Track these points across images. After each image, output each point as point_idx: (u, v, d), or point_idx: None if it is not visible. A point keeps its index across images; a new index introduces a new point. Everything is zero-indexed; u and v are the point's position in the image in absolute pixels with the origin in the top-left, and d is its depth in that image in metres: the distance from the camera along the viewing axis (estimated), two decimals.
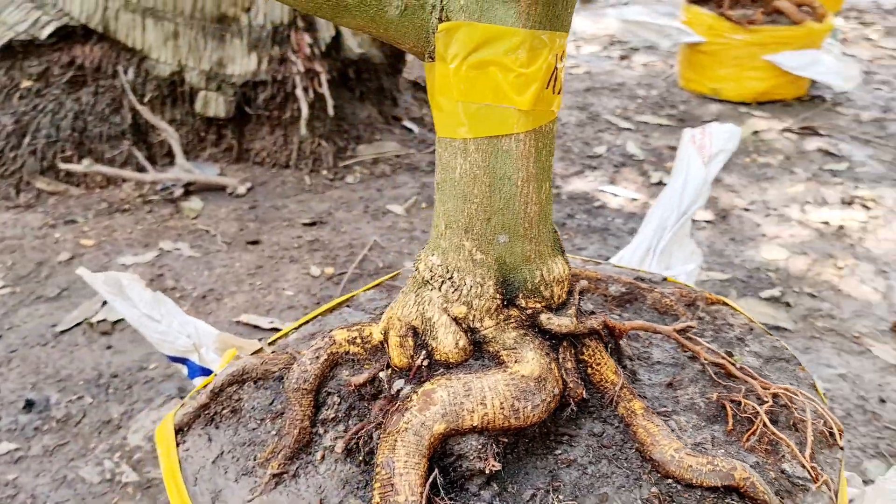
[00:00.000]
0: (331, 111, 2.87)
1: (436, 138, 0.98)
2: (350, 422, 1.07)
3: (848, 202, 2.75)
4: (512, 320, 1.01)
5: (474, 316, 1.00)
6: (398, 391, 1.02)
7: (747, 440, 1.08)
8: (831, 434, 1.12)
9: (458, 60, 0.89)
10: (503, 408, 0.97)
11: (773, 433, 1.08)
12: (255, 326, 2.00)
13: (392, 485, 0.91)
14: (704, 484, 0.99)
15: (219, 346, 1.38)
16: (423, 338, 1.03)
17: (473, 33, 0.88)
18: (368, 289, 1.51)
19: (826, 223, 2.61)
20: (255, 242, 2.43)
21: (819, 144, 3.26)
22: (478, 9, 0.87)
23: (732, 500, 0.99)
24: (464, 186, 0.95)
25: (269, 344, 1.34)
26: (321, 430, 1.07)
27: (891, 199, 2.78)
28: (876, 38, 5.19)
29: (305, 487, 1.01)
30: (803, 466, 1.06)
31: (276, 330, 2.00)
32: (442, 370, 1.02)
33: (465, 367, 1.01)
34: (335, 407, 1.09)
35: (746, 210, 2.70)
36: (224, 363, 1.35)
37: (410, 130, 3.25)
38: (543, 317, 1.02)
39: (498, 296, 1.01)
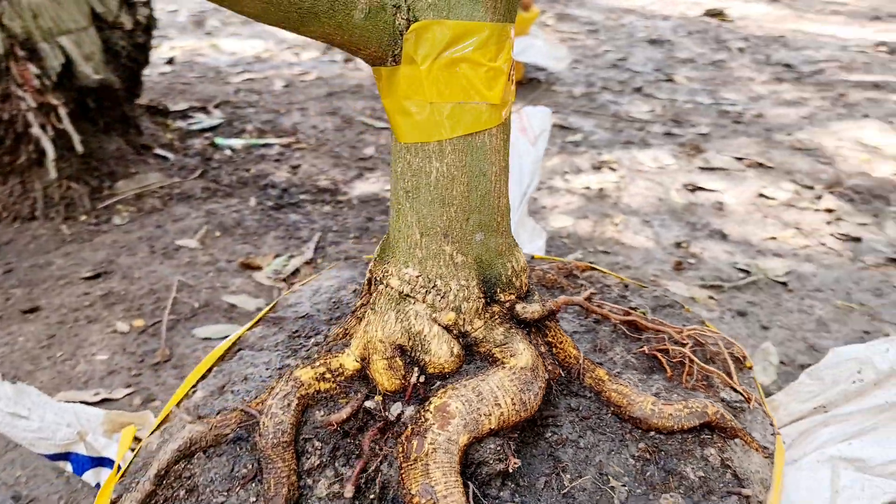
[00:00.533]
0: (79, 147, 2.53)
1: (395, 146, 0.93)
2: (337, 464, 0.99)
3: (597, 167, 3.10)
4: (497, 316, 1.01)
5: (464, 320, 0.98)
6: (398, 415, 0.96)
7: (687, 381, 1.19)
8: (741, 358, 1.29)
9: (428, 61, 0.86)
10: (514, 403, 0.96)
11: (704, 369, 1.20)
12: (81, 402, 1.71)
13: None
14: (685, 427, 1.07)
15: (108, 427, 1.17)
16: (413, 354, 0.98)
17: (444, 31, 0.85)
18: (253, 326, 1.39)
19: (588, 188, 2.92)
20: (33, 310, 2.07)
21: (554, 120, 3.62)
22: (446, 6, 0.85)
23: (706, 435, 1.09)
24: (441, 189, 0.92)
25: (177, 406, 1.18)
26: (309, 482, 0.98)
27: (626, 160, 3.19)
28: (552, 24, 5.86)
29: None
30: (735, 391, 1.20)
31: (108, 400, 1.74)
32: (439, 383, 0.98)
33: (462, 374, 0.99)
34: (317, 452, 0.99)
35: None
36: (124, 445, 1.16)
37: (166, 158, 2.99)
38: (518, 307, 1.03)
39: (482, 295, 0.99)
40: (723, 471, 1.05)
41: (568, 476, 1.01)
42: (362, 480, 0.94)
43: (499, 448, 0.96)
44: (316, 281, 1.53)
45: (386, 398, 0.98)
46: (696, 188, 2.93)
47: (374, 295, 1.00)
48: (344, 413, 0.99)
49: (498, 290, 1.02)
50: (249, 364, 1.26)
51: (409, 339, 0.97)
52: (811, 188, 2.93)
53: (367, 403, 0.99)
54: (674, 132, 3.52)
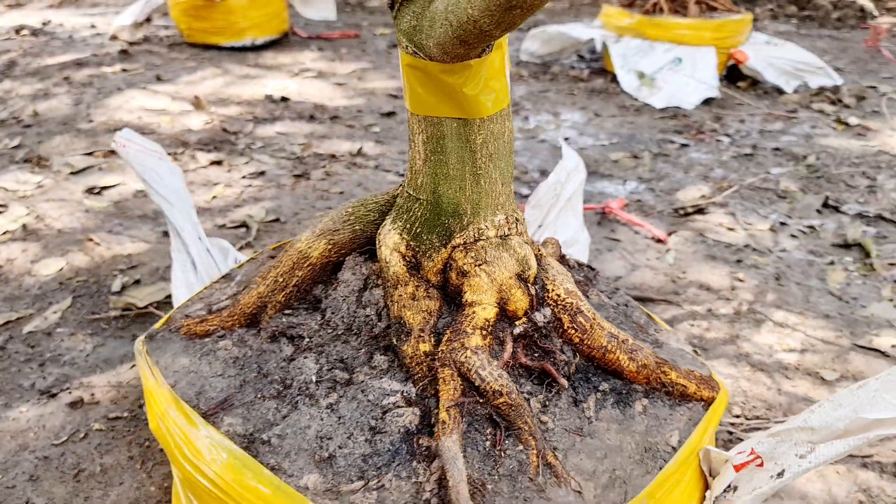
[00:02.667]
0: None
1: (470, 126, 1.10)
2: (528, 395, 1.19)
3: None
4: None
5: (526, 234, 1.26)
6: (545, 318, 1.21)
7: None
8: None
9: (504, 41, 1.08)
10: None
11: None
12: None
13: (637, 347, 1.23)
14: (580, 263, 1.59)
15: None
16: (523, 275, 1.21)
17: None
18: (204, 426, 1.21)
19: (8, 231, 2.58)
20: None
21: None
22: None
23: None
24: (510, 142, 1.16)
25: None
26: None
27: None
28: None
29: (600, 445, 1.15)
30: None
31: None
32: (538, 286, 1.24)
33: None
34: None
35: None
36: None
37: None
38: None
39: None
40: (581, 267, 1.64)
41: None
42: (563, 375, 1.19)
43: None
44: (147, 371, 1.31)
45: (527, 314, 1.20)
46: (101, 188, 2.92)
47: (475, 252, 1.17)
48: (508, 350, 1.17)
49: None
50: (300, 438, 1.15)
51: (520, 265, 1.21)
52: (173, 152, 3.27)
53: (516, 331, 1.19)
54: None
